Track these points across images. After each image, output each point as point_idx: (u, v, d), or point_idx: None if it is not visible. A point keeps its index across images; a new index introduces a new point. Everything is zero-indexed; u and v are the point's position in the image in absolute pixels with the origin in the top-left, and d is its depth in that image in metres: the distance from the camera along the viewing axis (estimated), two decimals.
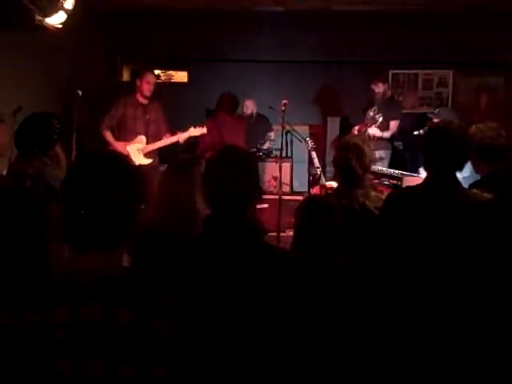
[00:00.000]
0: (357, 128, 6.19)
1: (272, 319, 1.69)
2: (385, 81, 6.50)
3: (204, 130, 5.79)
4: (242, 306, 1.69)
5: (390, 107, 6.32)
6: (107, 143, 5.69)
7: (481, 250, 2.40)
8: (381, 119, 6.06)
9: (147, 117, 5.74)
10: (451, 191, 2.48)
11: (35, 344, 1.25)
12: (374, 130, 6.03)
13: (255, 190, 1.87)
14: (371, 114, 6.28)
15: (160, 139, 5.77)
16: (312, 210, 2.25)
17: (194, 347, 1.29)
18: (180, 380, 1.26)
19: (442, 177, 2.49)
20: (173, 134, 5.79)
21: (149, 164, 5.76)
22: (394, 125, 6.22)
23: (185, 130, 5.77)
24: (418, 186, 2.70)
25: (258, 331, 1.68)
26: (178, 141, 5.75)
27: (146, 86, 5.68)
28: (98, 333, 1.24)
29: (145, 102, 5.75)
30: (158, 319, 1.26)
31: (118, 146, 5.66)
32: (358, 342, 2.07)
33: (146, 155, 5.75)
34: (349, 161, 2.89)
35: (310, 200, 2.50)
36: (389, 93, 6.52)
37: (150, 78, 5.73)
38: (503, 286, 2.44)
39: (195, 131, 5.76)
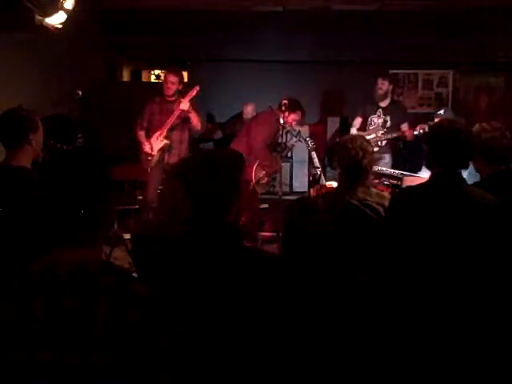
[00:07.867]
0: (357, 126, 6.16)
1: (247, 319, 1.69)
2: (391, 81, 6.30)
3: (193, 93, 5.77)
4: (217, 306, 1.70)
5: (395, 110, 6.19)
6: (139, 143, 5.82)
7: (489, 248, 2.39)
8: (389, 123, 6.05)
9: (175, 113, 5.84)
10: (457, 189, 2.46)
11: (14, 334, 1.28)
12: (377, 134, 6.00)
13: (233, 192, 1.86)
14: (375, 119, 6.21)
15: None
16: (299, 213, 2.26)
17: (174, 339, 1.32)
18: (159, 372, 1.29)
19: (449, 174, 2.47)
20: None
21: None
22: (405, 127, 6.05)
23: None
24: (423, 184, 2.65)
25: (231, 330, 1.69)
26: (183, 110, 5.70)
27: (166, 86, 5.81)
28: (72, 324, 1.28)
29: (171, 99, 5.84)
30: (132, 311, 1.29)
31: (147, 145, 5.78)
32: (343, 342, 2.06)
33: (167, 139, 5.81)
34: (356, 157, 2.87)
35: (298, 202, 2.50)
36: (389, 95, 6.31)
37: (169, 77, 5.83)
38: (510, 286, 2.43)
39: (185, 99, 5.74)
